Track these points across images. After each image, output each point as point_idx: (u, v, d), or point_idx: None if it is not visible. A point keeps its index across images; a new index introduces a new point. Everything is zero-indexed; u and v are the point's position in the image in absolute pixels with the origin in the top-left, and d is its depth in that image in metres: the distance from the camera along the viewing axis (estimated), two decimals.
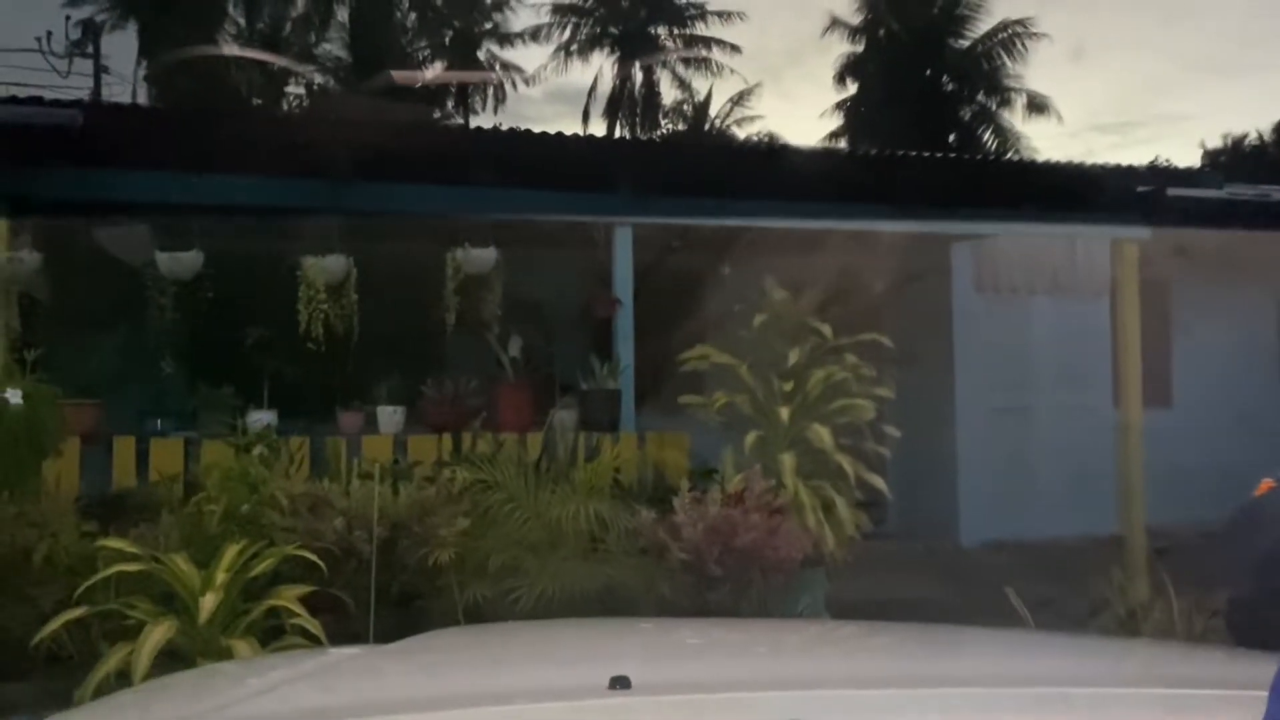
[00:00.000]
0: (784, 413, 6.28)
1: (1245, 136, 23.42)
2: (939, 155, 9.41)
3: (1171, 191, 7.80)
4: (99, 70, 19.75)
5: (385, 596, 5.06)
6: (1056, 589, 5.98)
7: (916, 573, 7.73)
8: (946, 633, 1.95)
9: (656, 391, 7.14)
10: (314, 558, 4.61)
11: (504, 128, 8.11)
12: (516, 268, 6.94)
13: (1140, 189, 7.60)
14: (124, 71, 21.01)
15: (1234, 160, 21.47)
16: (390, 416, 6.59)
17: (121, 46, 21.05)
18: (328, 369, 6.76)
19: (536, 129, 7.37)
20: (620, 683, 1.31)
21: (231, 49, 21.25)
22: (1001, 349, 9.44)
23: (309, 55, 22.65)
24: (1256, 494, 5.29)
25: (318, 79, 22.62)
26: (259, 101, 21.49)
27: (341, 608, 4.81)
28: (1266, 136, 22.92)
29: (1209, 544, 5.44)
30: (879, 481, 6.26)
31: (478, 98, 23.24)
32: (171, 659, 4.07)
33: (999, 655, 1.64)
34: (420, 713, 1.27)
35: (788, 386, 6.47)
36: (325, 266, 6.49)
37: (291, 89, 23.02)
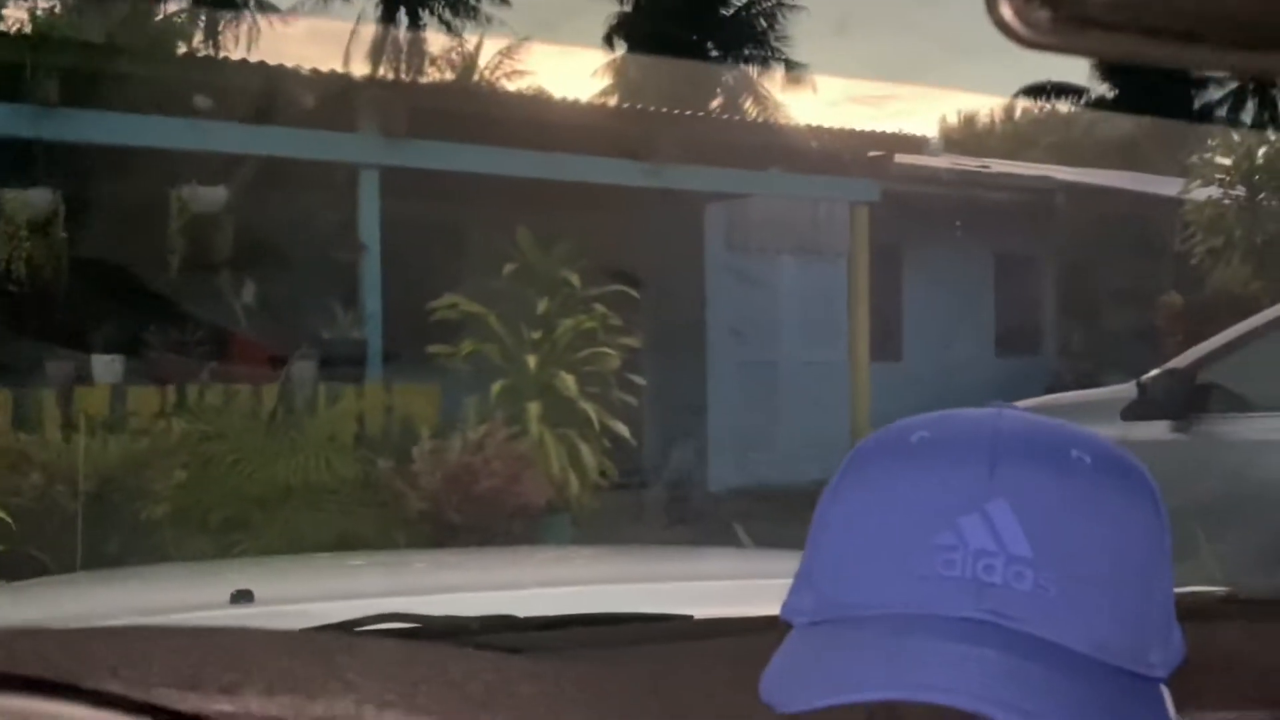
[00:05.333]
0: (531, 361, 6.29)
1: (976, 114, 25.44)
2: (687, 113, 9.63)
3: (899, 158, 8.34)
4: None
5: (98, 556, 4.71)
6: (788, 528, 6.33)
7: (663, 518, 7.96)
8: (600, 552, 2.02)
9: (407, 342, 6.97)
10: (3, 515, 4.22)
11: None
12: (252, 209, 6.55)
13: (871, 154, 8.07)
14: None
15: (968, 135, 23.27)
16: (107, 366, 6.09)
17: None
18: (33, 314, 6.16)
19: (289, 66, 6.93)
20: (243, 597, 1.28)
21: None
22: (751, 306, 9.82)
23: None
24: None
25: None
26: None
27: (40, 569, 4.42)
28: (997, 115, 25.00)
29: None
30: (622, 429, 6.39)
31: (228, 33, 21.72)
32: None
33: (623, 564, 1.74)
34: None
35: (536, 335, 6.48)
36: (27, 200, 5.89)
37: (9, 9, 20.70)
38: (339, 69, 10.74)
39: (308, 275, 6.73)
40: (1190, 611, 0.76)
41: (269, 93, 6.81)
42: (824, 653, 0.62)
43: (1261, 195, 9.09)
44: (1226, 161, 9.40)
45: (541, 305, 6.56)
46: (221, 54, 11.72)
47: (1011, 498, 0.61)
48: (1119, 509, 0.63)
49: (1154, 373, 4.66)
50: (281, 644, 0.50)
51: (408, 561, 2.06)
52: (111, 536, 4.72)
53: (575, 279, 6.70)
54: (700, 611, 0.99)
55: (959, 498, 0.61)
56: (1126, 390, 4.74)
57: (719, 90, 21.26)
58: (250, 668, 0.46)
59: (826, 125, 8.69)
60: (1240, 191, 9.15)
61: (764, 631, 0.68)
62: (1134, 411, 4.58)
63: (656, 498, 8.42)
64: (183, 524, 4.70)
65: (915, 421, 0.70)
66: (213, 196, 6.27)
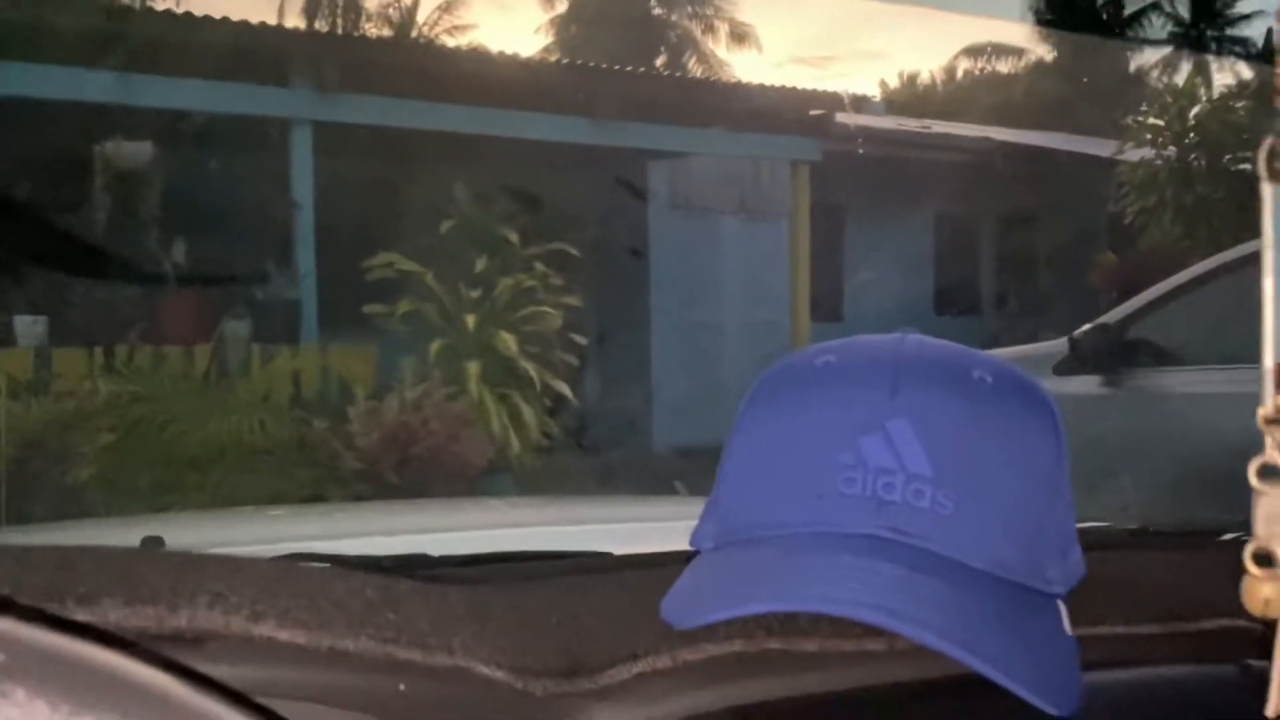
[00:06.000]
0: (470, 320, 6.23)
1: (918, 74, 25.55)
2: (629, 69, 9.54)
3: (841, 118, 8.35)
4: None
5: (22, 519, 4.60)
6: None
7: (606, 476, 7.97)
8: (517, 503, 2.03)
9: (343, 301, 6.86)
10: None
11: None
12: (182, 165, 6.37)
13: (813, 113, 8.07)
14: None
15: (910, 97, 23.38)
16: (29, 327, 5.92)
17: None
18: None
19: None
20: (152, 543, 1.24)
21: None
22: (694, 265, 9.81)
23: None
24: None
25: None
26: None
27: None
28: (938, 77, 25.12)
29: None
30: (564, 388, 6.37)
31: None
32: None
33: (553, 511, 1.75)
34: None
35: (475, 294, 6.42)
36: None
37: None
38: (270, 21, 10.44)
39: (240, 233, 6.58)
40: (1097, 542, 0.77)
41: (197, 45, 6.60)
42: (723, 571, 0.62)
43: (1192, 156, 9.26)
44: (1159, 123, 9.56)
45: (480, 263, 6.49)
46: (147, 4, 11.34)
47: (912, 417, 0.61)
48: (1019, 429, 0.63)
49: (1085, 328, 4.75)
50: (147, 561, 0.48)
51: (330, 511, 2.04)
52: (37, 500, 4.60)
53: (515, 237, 6.63)
54: (622, 550, 0.98)
55: (861, 418, 0.61)
56: (1059, 346, 4.82)
57: (663, 48, 21.11)
58: (110, 580, 0.44)
59: (769, 84, 8.67)
60: (1171, 152, 9.32)
61: (680, 564, 0.68)
62: (1066, 366, 4.66)
63: (600, 457, 8.44)
64: (111, 487, 4.60)
65: (821, 347, 0.70)
66: (139, 152, 6.08)
